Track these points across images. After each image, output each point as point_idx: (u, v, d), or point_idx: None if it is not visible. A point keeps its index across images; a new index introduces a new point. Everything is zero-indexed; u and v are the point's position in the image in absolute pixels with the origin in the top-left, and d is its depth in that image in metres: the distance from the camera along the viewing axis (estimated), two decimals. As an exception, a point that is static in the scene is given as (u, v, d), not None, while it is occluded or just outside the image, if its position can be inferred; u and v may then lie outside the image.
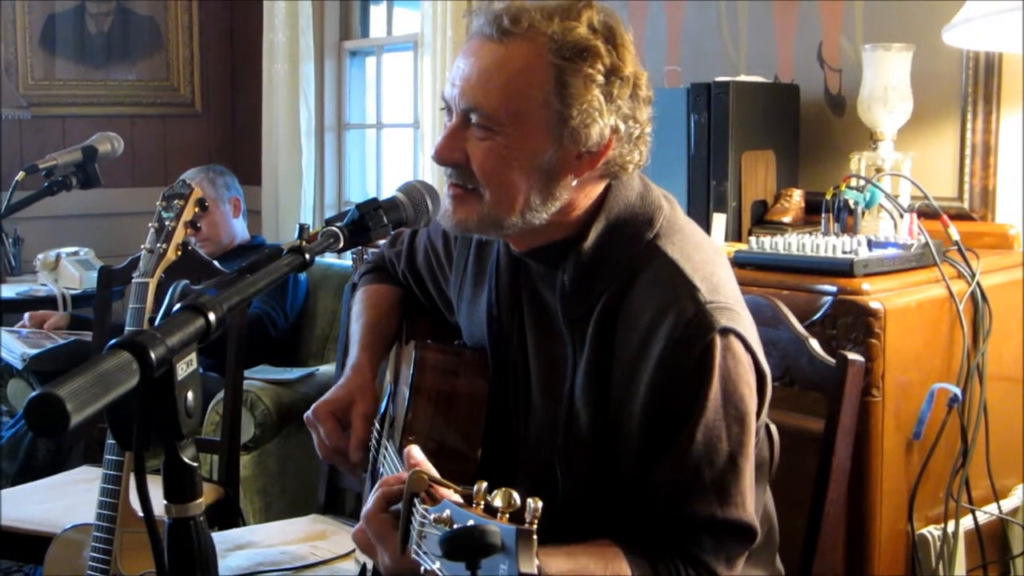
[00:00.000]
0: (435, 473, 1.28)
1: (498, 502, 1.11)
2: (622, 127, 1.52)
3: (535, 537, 1.07)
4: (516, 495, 1.11)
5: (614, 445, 1.53)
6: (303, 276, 3.98)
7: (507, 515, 1.10)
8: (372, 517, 1.36)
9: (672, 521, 1.48)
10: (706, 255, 1.57)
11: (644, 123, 1.56)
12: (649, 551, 1.47)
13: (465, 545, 1.07)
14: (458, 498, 1.19)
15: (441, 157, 1.54)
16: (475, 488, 1.15)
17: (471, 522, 1.10)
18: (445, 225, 1.59)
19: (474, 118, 1.51)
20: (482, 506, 1.13)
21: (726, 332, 1.48)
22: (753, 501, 1.53)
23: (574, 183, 1.54)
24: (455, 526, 1.12)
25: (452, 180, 1.56)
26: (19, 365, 3.92)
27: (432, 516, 1.17)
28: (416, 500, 1.26)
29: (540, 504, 1.09)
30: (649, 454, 1.49)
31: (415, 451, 1.39)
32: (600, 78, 1.49)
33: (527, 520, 1.08)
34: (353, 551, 2.21)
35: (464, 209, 1.55)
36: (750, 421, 1.51)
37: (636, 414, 1.50)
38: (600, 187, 1.58)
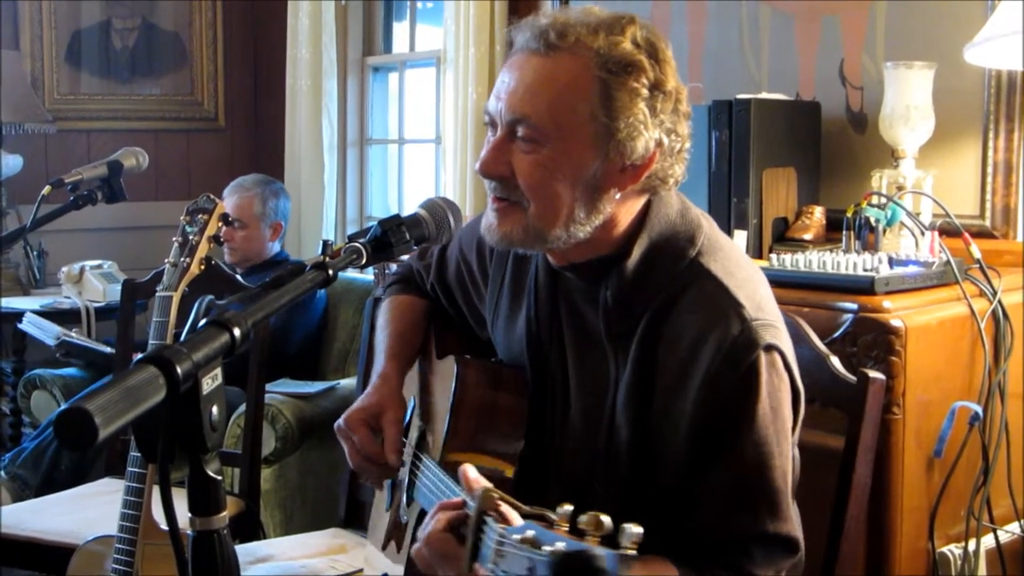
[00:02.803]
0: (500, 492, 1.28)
1: (585, 525, 1.09)
2: (665, 140, 1.53)
3: (637, 563, 1.05)
4: (606, 518, 1.09)
5: (654, 461, 1.55)
6: (320, 291, 3.99)
7: (597, 538, 1.08)
8: (434, 538, 1.38)
9: (722, 534, 1.49)
10: (748, 273, 1.58)
11: (684, 137, 1.57)
12: (694, 563, 1.48)
13: (575, 569, 1.05)
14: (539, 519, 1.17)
15: (486, 170, 1.55)
16: (559, 510, 1.14)
17: (561, 544, 1.08)
18: (489, 239, 1.59)
19: (520, 131, 1.51)
20: (566, 528, 1.12)
21: (770, 349, 1.50)
22: (796, 515, 1.55)
23: (617, 196, 1.55)
24: (546, 548, 1.10)
25: (496, 194, 1.56)
26: (51, 342, 3.95)
27: (515, 536, 1.15)
28: (487, 518, 1.25)
29: (640, 530, 1.08)
30: (698, 469, 1.50)
31: (471, 470, 1.40)
32: (645, 92, 1.50)
33: (624, 544, 1.07)
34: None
35: (509, 222, 1.55)
36: (790, 438, 1.53)
37: (683, 430, 1.51)
38: (641, 202, 1.59)
